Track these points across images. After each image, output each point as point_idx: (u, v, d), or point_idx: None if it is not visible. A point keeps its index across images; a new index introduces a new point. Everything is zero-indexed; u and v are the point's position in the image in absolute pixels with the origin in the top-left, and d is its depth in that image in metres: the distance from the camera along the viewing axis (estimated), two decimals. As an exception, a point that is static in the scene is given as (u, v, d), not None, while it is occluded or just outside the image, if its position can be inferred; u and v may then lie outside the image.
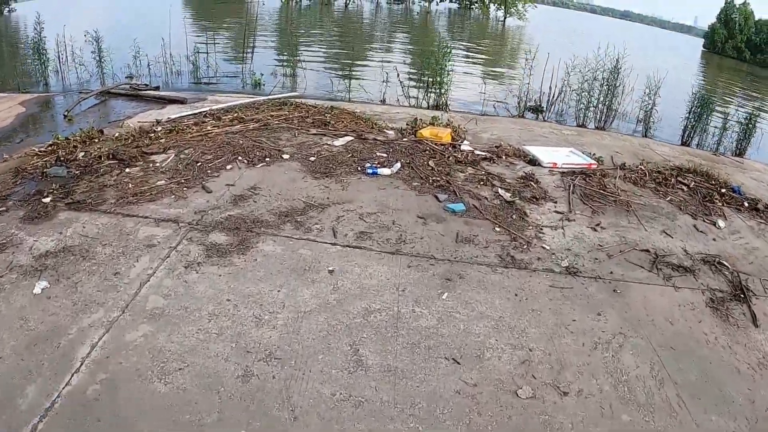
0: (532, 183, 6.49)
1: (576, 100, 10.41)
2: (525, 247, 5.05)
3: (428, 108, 10.42)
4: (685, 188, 7.38)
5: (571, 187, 6.55)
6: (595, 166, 7.46)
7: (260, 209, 5.21)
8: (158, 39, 12.05)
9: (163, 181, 5.57)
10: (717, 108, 11.61)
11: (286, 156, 6.63)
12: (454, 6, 60.84)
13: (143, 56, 11.79)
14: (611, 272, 4.85)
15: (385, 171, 6.31)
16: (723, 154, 10.41)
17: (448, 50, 10.25)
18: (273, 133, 7.54)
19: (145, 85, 10.33)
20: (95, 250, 4.26)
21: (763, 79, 39.96)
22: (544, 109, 10.77)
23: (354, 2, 52.54)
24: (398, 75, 10.46)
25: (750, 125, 10.64)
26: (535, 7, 53.11)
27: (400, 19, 42.24)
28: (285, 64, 13.14)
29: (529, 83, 10.34)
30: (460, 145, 7.48)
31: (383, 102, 10.73)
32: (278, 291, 4.00)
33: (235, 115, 8.28)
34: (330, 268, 4.35)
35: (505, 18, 50.91)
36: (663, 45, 56.01)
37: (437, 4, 59.02)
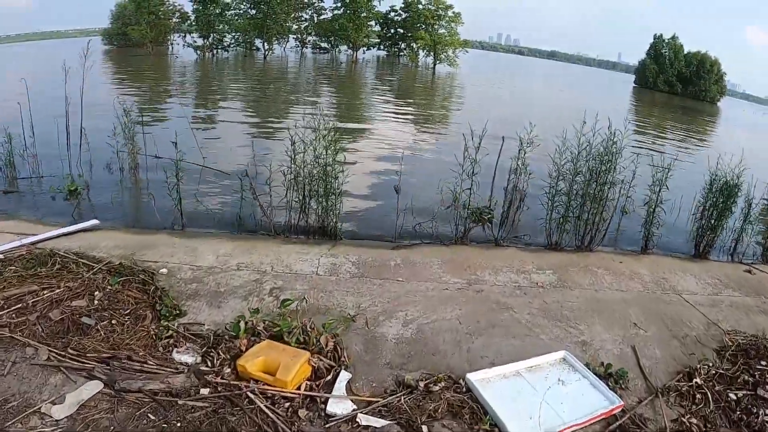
0: None
1: (546, 206, 6.51)
2: None
3: (309, 237, 6.32)
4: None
5: None
6: (620, 409, 3.47)
7: None
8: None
9: None
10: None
11: None
12: (383, 53, 58.74)
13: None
14: None
15: None
16: (753, 264, 7.05)
17: (336, 145, 6.16)
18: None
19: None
20: None
21: (703, 113, 39.04)
22: (493, 216, 6.81)
23: (272, 52, 49.37)
24: (253, 190, 6.27)
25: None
26: (466, 52, 51.30)
27: (324, 71, 38.85)
28: (122, 152, 8.90)
29: (471, 187, 6.35)
30: (326, 400, 3.30)
31: (239, 228, 6.55)
32: None
33: None
34: None
35: (434, 65, 48.77)
36: (596, 84, 55.68)
37: (364, 53, 56.52)
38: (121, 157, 8.99)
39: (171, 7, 50.38)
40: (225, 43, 51.01)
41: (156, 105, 16.76)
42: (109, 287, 4.63)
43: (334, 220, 6.28)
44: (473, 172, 6.15)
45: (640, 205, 7.07)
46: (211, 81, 26.73)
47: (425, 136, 15.26)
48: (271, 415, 3.14)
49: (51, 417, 3.12)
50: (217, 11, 49.45)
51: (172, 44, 50.83)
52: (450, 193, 6.35)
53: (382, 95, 24.02)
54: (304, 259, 5.42)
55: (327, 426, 3.10)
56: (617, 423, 3.37)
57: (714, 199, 7.17)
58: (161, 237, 6.07)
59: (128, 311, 4.30)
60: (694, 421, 3.57)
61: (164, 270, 5.09)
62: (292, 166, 6.16)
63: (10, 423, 3.03)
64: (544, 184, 6.60)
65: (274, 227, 6.22)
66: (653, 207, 6.90)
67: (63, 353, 3.66)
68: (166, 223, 6.62)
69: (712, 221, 7.20)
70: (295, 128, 6.13)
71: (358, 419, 3.14)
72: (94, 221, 6.39)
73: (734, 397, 3.92)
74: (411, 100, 23.77)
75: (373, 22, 54.73)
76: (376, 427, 3.09)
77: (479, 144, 6.08)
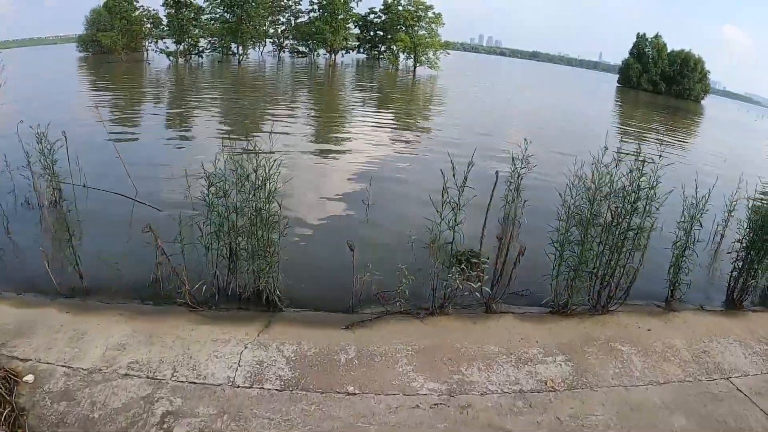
0: None
1: (553, 258, 4.97)
2: None
3: (241, 307, 4.79)
4: None
5: None
6: None
7: None
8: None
9: None
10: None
11: None
12: (363, 56, 57.25)
13: None
14: None
15: None
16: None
17: (268, 185, 4.59)
18: None
19: None
20: None
21: (691, 112, 38.15)
22: (485, 263, 5.30)
23: (247, 57, 47.64)
24: (162, 249, 4.67)
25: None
26: (447, 54, 49.93)
27: (300, 77, 37.22)
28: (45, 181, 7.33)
29: (452, 241, 4.76)
30: None
31: (153, 296, 4.99)
32: None
33: None
34: None
35: (414, 68, 47.35)
36: (580, 84, 54.87)
37: (342, 56, 54.96)
38: (40, 190, 7.41)
39: (145, 12, 48.26)
40: (199, 49, 48.98)
41: (98, 124, 14.80)
42: None
43: (273, 285, 4.74)
44: (456, 222, 4.61)
45: (666, 247, 5.64)
46: (173, 93, 24.53)
47: (399, 162, 11.42)
48: None
49: None
50: (191, 15, 47.40)
51: (147, 50, 48.77)
52: (425, 246, 4.83)
53: (354, 107, 21.41)
54: (221, 352, 3.89)
55: None
56: None
57: (752, 236, 5.78)
58: (48, 313, 4.56)
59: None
60: None
61: (30, 377, 3.72)
62: (211, 216, 4.60)
63: None
64: (548, 227, 5.10)
65: (190, 297, 4.65)
66: (682, 250, 5.46)
67: None
68: (64, 288, 5.03)
69: (749, 262, 5.82)
70: (215, 164, 4.59)
71: None
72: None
73: None
74: (387, 112, 20.61)
75: (351, 24, 53.12)
76: None
77: (464, 182, 4.54)
